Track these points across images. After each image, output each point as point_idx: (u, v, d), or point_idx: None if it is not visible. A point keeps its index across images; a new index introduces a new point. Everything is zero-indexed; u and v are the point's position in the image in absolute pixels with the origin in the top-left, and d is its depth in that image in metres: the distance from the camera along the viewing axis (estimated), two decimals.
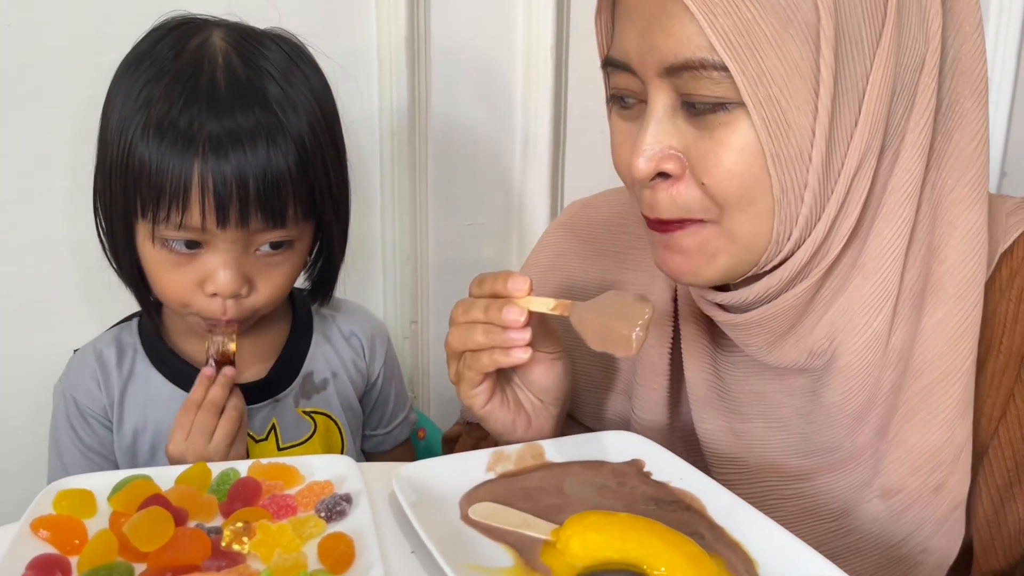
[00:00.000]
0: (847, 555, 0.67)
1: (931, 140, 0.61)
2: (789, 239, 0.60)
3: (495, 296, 0.65)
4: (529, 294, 0.64)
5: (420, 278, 1.22)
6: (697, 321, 0.72)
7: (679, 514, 0.59)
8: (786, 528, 0.57)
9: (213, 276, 0.76)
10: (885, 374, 0.64)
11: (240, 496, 0.58)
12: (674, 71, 0.57)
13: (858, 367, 0.63)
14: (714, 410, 0.72)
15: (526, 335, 0.63)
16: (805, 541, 0.59)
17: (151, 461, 0.84)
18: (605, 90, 0.67)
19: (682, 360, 0.75)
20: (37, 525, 0.54)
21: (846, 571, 0.66)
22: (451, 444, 0.95)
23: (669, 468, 0.64)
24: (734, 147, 0.57)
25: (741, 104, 0.56)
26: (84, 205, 0.98)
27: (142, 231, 0.76)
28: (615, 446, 0.68)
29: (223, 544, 0.53)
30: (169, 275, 0.77)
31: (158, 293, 0.80)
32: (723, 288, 0.67)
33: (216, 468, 0.61)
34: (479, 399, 0.68)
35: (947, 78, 0.61)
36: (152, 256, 0.77)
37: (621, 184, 0.69)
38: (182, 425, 0.76)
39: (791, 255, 0.61)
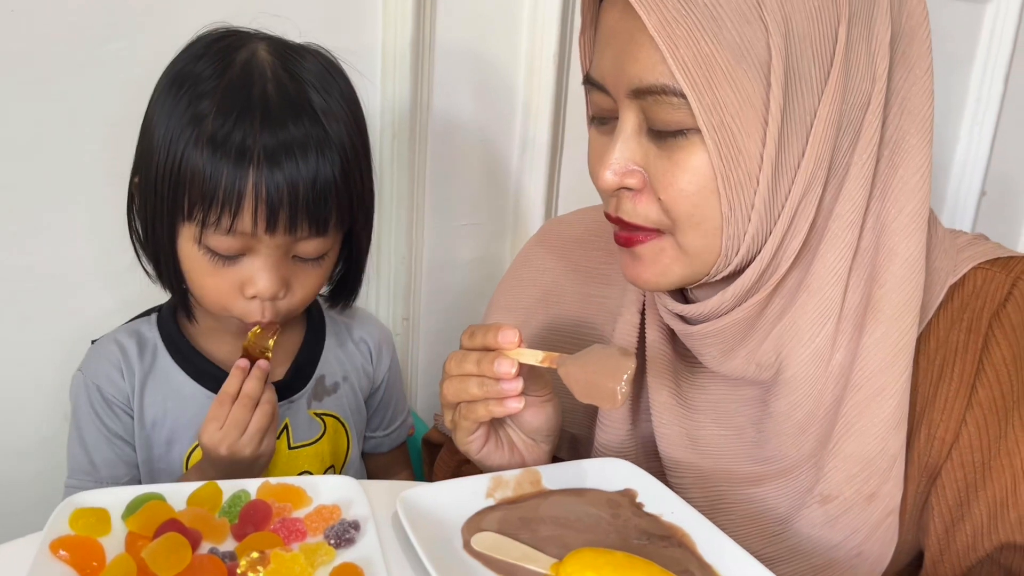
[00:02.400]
0: (788, 557, 0.72)
1: (874, 172, 0.65)
2: (737, 254, 0.65)
3: (486, 348, 0.68)
4: (519, 346, 0.67)
5: (413, 276, 1.23)
6: (661, 333, 0.77)
7: (671, 550, 0.62)
8: (734, 531, 0.62)
9: (254, 279, 0.78)
10: (827, 389, 0.68)
11: (251, 520, 0.60)
12: (640, 94, 0.62)
13: (802, 379, 0.68)
14: (672, 415, 0.76)
15: (518, 385, 0.66)
16: (751, 543, 0.63)
17: (166, 454, 0.86)
18: (586, 106, 0.71)
19: (641, 376, 0.79)
20: (56, 546, 0.55)
21: (786, 572, 0.71)
22: (431, 448, 0.99)
23: (660, 500, 0.67)
24: (688, 168, 0.62)
25: (697, 130, 0.61)
26: (98, 190, 0.99)
27: (186, 233, 0.77)
28: (608, 474, 0.71)
29: (239, 572, 0.55)
30: (210, 278, 0.78)
31: (198, 295, 0.81)
32: (684, 300, 0.73)
33: (227, 489, 0.63)
34: (475, 445, 0.71)
35: (895, 116, 0.66)
36: (194, 258, 0.78)
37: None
38: (217, 417, 0.77)
39: (742, 271, 0.66)
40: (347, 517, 0.62)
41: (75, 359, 0.91)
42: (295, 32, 0.85)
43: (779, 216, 0.64)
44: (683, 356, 0.77)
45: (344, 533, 0.59)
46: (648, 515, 0.66)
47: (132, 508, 0.60)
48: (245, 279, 0.78)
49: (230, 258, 0.77)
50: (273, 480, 0.65)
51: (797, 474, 0.71)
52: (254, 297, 0.79)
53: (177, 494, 0.62)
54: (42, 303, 1.04)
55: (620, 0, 0.62)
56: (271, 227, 0.75)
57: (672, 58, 0.59)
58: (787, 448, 0.71)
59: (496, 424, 0.73)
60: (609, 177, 0.65)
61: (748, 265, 0.65)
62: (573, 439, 0.87)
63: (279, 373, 0.89)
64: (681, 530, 0.64)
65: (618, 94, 0.64)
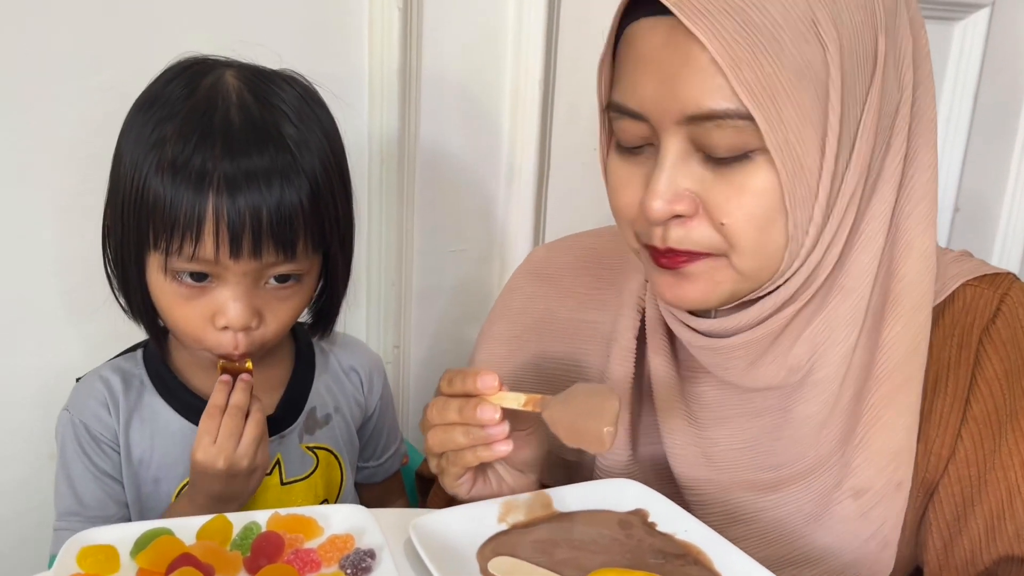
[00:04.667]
0: (818, 556, 0.71)
1: (902, 174, 0.67)
2: (791, 268, 0.65)
3: (466, 395, 0.67)
4: (500, 390, 0.66)
5: (403, 303, 1.23)
6: (664, 357, 0.77)
7: (688, 568, 0.62)
8: (759, 538, 0.62)
9: (224, 309, 0.76)
10: (847, 384, 0.69)
11: (264, 552, 0.59)
12: (694, 120, 0.61)
13: (831, 379, 0.69)
14: (687, 438, 0.76)
15: (504, 429, 0.66)
16: (778, 548, 0.63)
17: (155, 492, 0.84)
18: (602, 133, 0.70)
19: (641, 401, 0.79)
20: None
21: (818, 571, 0.70)
22: (424, 482, 0.97)
23: (672, 519, 0.67)
24: (755, 191, 0.61)
25: (760, 151, 0.60)
26: (71, 224, 0.98)
27: (154, 263, 0.76)
28: (618, 495, 0.71)
29: None
30: (181, 309, 0.77)
31: (171, 327, 0.80)
32: (704, 315, 0.71)
33: (238, 522, 0.62)
34: (464, 488, 0.70)
35: (912, 120, 0.67)
36: (163, 289, 0.77)
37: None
38: (208, 431, 0.76)
39: (787, 281, 0.66)
40: (361, 546, 0.61)
41: (50, 397, 0.89)
42: (280, 60, 0.84)
43: (826, 225, 0.64)
44: (687, 377, 0.76)
45: (360, 562, 0.58)
46: (661, 534, 0.66)
47: (141, 544, 0.58)
48: (216, 309, 0.77)
49: (199, 288, 0.76)
50: (283, 511, 0.64)
51: (819, 473, 0.71)
52: (226, 328, 0.77)
53: (186, 528, 0.61)
54: (14, 340, 1.02)
55: (662, 24, 0.61)
56: (234, 253, 0.74)
57: (737, 81, 0.58)
58: (806, 449, 0.71)
59: (483, 464, 0.71)
60: (659, 207, 0.62)
61: (794, 275, 0.65)
62: (567, 466, 0.86)
63: (269, 407, 0.86)
64: (696, 547, 0.64)
65: (663, 121, 0.62)
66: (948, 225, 1.61)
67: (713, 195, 0.62)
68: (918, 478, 0.70)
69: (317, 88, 0.84)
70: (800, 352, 0.68)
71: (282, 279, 0.78)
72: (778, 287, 0.66)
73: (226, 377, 0.79)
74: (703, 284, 0.66)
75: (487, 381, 0.66)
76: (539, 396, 0.66)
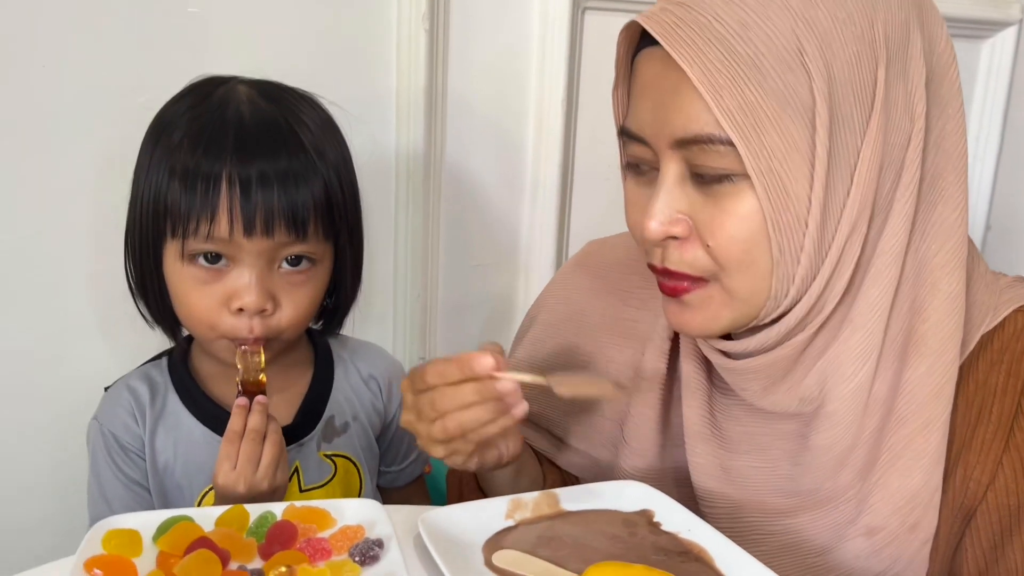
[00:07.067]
0: None
1: (915, 209, 0.67)
2: (787, 296, 0.66)
3: (469, 379, 0.67)
4: (499, 368, 0.68)
5: (429, 315, 1.26)
6: (696, 362, 0.78)
7: (688, 564, 0.63)
8: (769, 561, 0.62)
9: (239, 292, 0.79)
10: (867, 420, 0.69)
11: (278, 539, 0.62)
12: (684, 144, 0.64)
13: (844, 413, 0.69)
14: (706, 446, 0.77)
15: (519, 395, 0.68)
16: (788, 574, 0.63)
17: (179, 498, 0.87)
18: (620, 156, 0.72)
19: (671, 403, 0.80)
20: (90, 564, 0.57)
21: None
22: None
23: (677, 519, 0.69)
24: (738, 214, 0.63)
25: (744, 175, 0.62)
26: (106, 242, 1.03)
27: (171, 253, 0.80)
28: (626, 495, 0.72)
29: None
30: (196, 293, 0.80)
31: (185, 316, 0.83)
32: (726, 336, 0.73)
33: (254, 511, 0.65)
34: (475, 461, 0.72)
35: (931, 153, 0.67)
36: (180, 276, 0.80)
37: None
38: (228, 456, 0.78)
39: (789, 310, 0.67)
40: (371, 536, 0.63)
41: (84, 407, 0.92)
42: (312, 79, 0.89)
43: (826, 256, 0.65)
44: (718, 386, 0.78)
45: (368, 551, 0.61)
46: (665, 533, 0.68)
47: (163, 529, 0.61)
48: (231, 293, 0.80)
49: (215, 271, 0.79)
50: (298, 503, 0.66)
51: (834, 505, 0.71)
52: (241, 311, 0.80)
53: (206, 517, 0.64)
54: (51, 353, 1.07)
55: (659, 53, 0.64)
56: (248, 231, 0.77)
57: (717, 107, 0.60)
58: (823, 480, 0.71)
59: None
60: (655, 227, 0.66)
61: (796, 304, 0.66)
62: (596, 463, 0.87)
63: (287, 416, 0.89)
64: (698, 546, 0.65)
65: (659, 145, 0.65)
66: (980, 243, 1.59)
67: (703, 217, 0.65)
68: (956, 503, 0.69)
69: (345, 108, 0.88)
70: (810, 383, 0.69)
71: (295, 263, 0.81)
72: (783, 314, 0.67)
73: (243, 400, 0.81)
74: (702, 312, 0.68)
75: (484, 363, 0.67)
76: (540, 377, 0.69)
